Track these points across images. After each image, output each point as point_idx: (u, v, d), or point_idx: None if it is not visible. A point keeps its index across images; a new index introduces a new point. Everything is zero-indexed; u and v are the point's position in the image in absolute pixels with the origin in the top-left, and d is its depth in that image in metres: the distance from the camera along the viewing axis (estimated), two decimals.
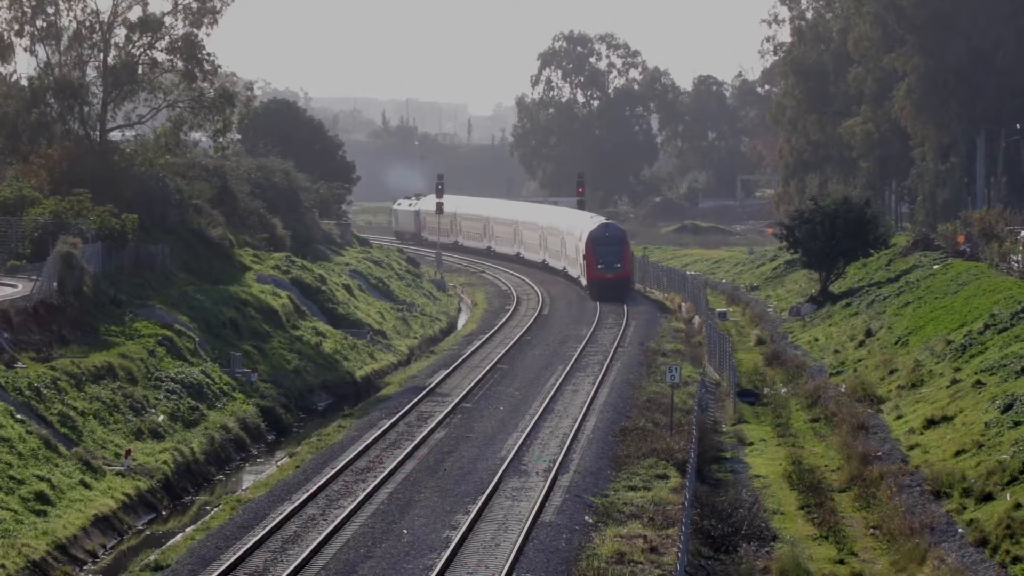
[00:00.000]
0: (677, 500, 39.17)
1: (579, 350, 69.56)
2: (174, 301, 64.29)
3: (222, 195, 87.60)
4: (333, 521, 37.10)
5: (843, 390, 56.34)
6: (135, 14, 76.58)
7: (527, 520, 37.16)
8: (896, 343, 61.55)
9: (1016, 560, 32.49)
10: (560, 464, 43.90)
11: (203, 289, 68.95)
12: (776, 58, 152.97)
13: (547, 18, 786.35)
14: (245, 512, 38.92)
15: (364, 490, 40.66)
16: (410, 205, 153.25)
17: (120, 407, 49.25)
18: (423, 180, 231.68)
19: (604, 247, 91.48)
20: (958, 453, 41.20)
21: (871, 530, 38.35)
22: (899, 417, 49.23)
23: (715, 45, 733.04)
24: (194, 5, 77.13)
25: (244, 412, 55.48)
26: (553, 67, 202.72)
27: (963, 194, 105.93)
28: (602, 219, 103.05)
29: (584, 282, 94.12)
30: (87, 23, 76.82)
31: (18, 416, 43.29)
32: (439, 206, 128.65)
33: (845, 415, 50.61)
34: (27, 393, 45.48)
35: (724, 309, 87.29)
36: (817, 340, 71.80)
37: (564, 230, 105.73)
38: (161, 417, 50.43)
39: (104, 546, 39.30)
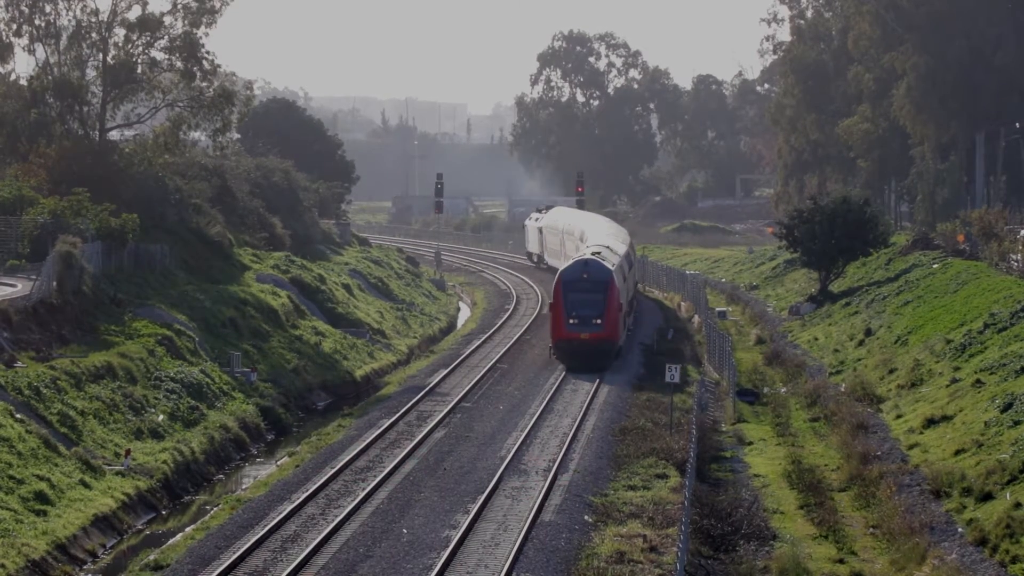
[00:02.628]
0: (677, 499, 39.17)
1: None
2: (173, 300, 64.29)
3: (221, 194, 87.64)
4: (333, 521, 37.09)
5: (843, 389, 56.31)
6: (134, 13, 76.75)
7: (527, 519, 37.16)
8: (896, 342, 61.53)
9: (1016, 559, 32.48)
10: (560, 463, 43.90)
11: (203, 288, 68.95)
12: (776, 57, 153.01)
13: (546, 18, 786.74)
14: (245, 512, 38.92)
15: (364, 490, 40.65)
16: (536, 220, 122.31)
17: (120, 407, 49.24)
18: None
19: (579, 294, 64.51)
20: (958, 452, 41.19)
21: (871, 529, 38.33)
22: (899, 416, 49.22)
23: (715, 45, 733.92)
24: (193, 4, 77.17)
25: (244, 412, 55.47)
26: (553, 67, 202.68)
27: (962, 193, 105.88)
28: (621, 239, 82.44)
29: (551, 339, 66.97)
30: (86, 23, 76.90)
31: (18, 416, 43.28)
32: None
33: (845, 414, 50.59)
34: (27, 393, 45.47)
35: (724, 308, 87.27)
36: (817, 339, 71.78)
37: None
38: (161, 417, 50.42)
39: (104, 546, 39.29)
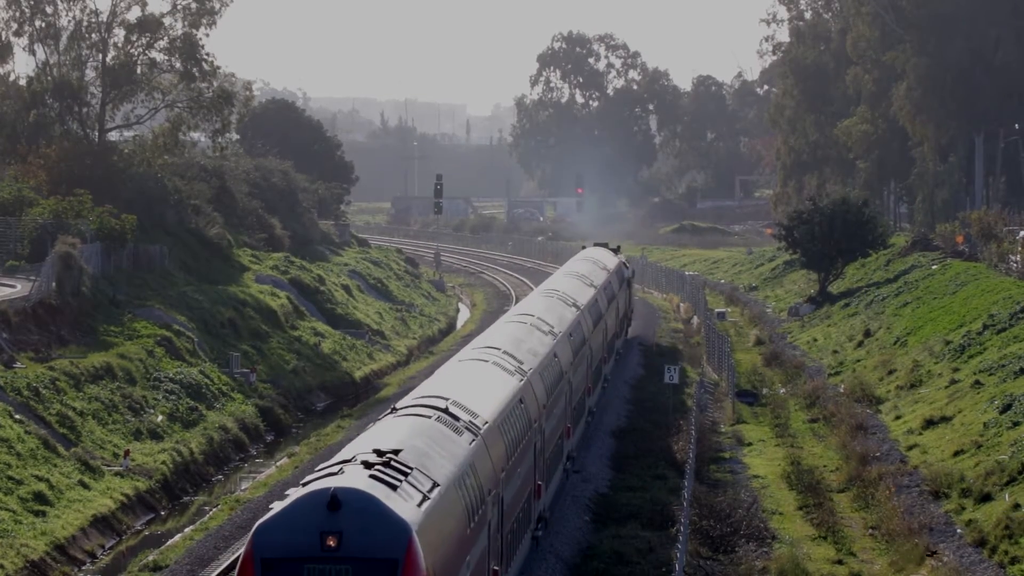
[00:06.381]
0: (676, 500, 39.13)
1: None
2: (173, 301, 64.25)
3: (221, 195, 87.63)
4: None
5: (842, 390, 56.30)
6: (134, 14, 76.85)
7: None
8: (895, 343, 61.53)
9: (1014, 560, 32.46)
10: None
11: (202, 289, 68.92)
12: (775, 58, 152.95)
13: (546, 19, 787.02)
14: (244, 512, 38.90)
15: None
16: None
17: (119, 407, 49.22)
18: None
19: None
20: (957, 453, 41.19)
21: (870, 530, 38.32)
22: (898, 417, 49.21)
23: (714, 46, 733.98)
24: (193, 5, 77.23)
25: (243, 412, 55.45)
26: (552, 68, 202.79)
27: (962, 194, 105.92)
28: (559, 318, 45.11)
29: None
30: (86, 23, 76.93)
31: (17, 416, 43.26)
32: None
33: (844, 415, 50.57)
34: (26, 393, 45.45)
35: (723, 309, 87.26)
36: (816, 340, 71.78)
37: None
38: (160, 417, 50.40)
39: (103, 546, 39.27)
